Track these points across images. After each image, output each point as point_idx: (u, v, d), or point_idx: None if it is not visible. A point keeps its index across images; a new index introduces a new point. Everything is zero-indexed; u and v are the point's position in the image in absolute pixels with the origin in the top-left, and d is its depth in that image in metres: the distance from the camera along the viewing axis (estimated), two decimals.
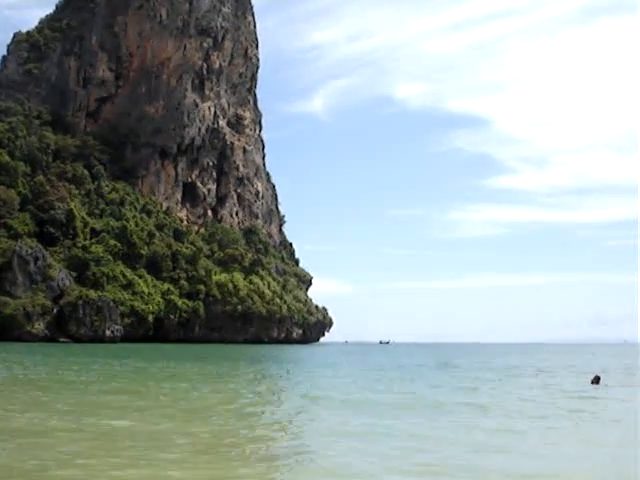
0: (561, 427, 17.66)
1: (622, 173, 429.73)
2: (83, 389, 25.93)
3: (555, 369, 50.18)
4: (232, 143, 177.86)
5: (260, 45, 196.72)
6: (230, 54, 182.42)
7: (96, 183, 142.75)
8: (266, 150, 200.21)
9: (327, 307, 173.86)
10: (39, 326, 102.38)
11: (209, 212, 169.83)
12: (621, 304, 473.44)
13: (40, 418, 16.79)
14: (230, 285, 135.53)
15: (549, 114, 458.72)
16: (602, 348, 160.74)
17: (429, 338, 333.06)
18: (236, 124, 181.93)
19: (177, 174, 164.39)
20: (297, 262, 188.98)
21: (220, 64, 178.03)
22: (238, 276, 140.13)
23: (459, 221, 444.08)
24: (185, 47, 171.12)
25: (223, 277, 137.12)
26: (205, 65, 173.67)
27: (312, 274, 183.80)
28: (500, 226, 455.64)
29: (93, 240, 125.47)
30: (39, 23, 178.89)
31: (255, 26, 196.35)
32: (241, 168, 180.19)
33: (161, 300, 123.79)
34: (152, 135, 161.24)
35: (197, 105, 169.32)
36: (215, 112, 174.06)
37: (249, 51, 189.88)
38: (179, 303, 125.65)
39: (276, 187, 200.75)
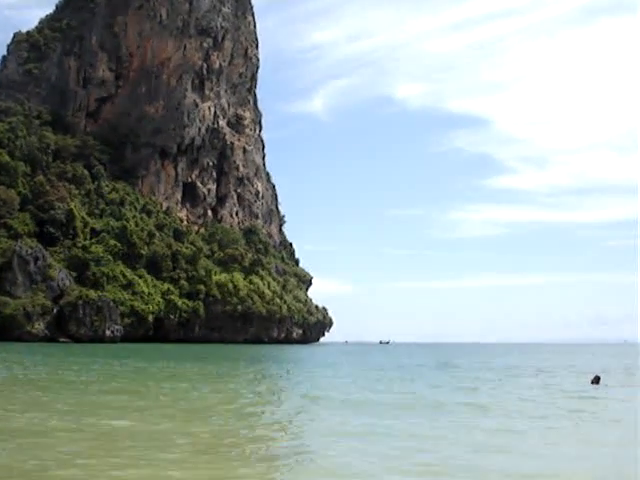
0: (561, 427, 17.66)
1: (622, 173, 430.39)
2: (83, 389, 25.93)
3: (555, 369, 50.19)
4: (232, 143, 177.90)
5: (260, 45, 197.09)
6: (230, 54, 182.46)
7: (96, 183, 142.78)
8: (266, 150, 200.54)
9: (327, 307, 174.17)
10: (39, 326, 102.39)
11: (209, 212, 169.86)
12: (621, 304, 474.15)
13: (40, 418, 16.79)
14: (230, 285, 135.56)
15: (549, 114, 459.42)
16: (602, 348, 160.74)
17: (429, 338, 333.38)
18: (236, 124, 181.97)
19: (177, 174, 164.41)
20: (297, 262, 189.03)
21: (220, 64, 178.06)
22: (238, 276, 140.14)
23: (459, 221, 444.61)
24: (185, 47, 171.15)
25: (223, 277, 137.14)
26: (205, 65, 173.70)
27: (312, 274, 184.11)
28: (500, 226, 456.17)
29: (93, 240, 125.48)
30: (39, 23, 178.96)
31: (255, 26, 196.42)
32: (241, 168, 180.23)
33: (161, 300, 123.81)
34: (152, 135, 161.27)
35: (197, 105, 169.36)
36: (215, 112, 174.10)
37: (249, 51, 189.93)
38: (179, 303, 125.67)
39: (276, 187, 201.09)
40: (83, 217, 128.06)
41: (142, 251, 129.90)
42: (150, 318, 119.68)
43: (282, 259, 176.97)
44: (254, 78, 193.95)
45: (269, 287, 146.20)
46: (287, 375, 38.68)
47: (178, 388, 27.25)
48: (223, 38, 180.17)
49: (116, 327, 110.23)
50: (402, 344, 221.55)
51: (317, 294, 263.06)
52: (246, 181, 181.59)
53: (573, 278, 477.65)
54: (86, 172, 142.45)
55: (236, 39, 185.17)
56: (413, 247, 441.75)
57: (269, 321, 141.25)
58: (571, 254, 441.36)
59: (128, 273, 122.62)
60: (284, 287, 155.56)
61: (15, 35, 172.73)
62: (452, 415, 19.43)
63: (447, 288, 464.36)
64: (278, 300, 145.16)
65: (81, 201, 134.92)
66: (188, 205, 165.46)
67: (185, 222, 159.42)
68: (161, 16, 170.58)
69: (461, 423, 17.66)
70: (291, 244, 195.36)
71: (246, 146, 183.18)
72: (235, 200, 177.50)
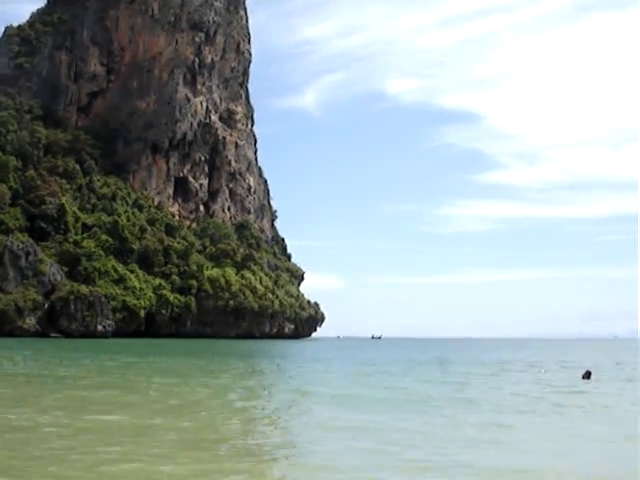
0: (551, 422, 17.72)
1: (614, 169, 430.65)
2: (74, 384, 25.88)
3: (546, 364, 50.37)
4: (224, 138, 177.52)
5: (252, 40, 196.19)
6: (222, 49, 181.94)
7: (87, 178, 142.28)
8: (258, 145, 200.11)
9: (319, 302, 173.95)
10: (30, 321, 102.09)
11: (201, 207, 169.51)
12: (613, 300, 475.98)
13: (30, 413, 16.75)
14: (222, 280, 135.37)
15: (541, 110, 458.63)
16: (594, 343, 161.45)
17: (421, 333, 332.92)
18: (228, 119, 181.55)
19: (169, 169, 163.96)
20: (289, 257, 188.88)
21: (212, 59, 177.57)
22: (230, 271, 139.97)
23: (451, 216, 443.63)
24: (177, 41, 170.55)
25: (215, 272, 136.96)
26: (197, 60, 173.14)
27: (304, 269, 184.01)
28: (491, 221, 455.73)
29: (84, 235, 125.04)
30: (30, 17, 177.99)
31: (247, 20, 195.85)
32: (233, 163, 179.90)
33: (153, 295, 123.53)
34: (144, 130, 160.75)
35: (189, 100, 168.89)
36: (207, 107, 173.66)
37: (241, 46, 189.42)
38: (171, 298, 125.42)
39: (268, 182, 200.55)
40: (74, 212, 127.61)
41: (134, 246, 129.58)
42: (142, 313, 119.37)
43: (274, 254, 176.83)
44: (246, 73, 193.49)
45: (261, 282, 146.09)
46: (278, 370, 38.72)
47: (169, 383, 27.25)
48: (215, 33, 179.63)
49: (108, 322, 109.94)
50: (394, 339, 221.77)
51: (309, 289, 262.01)
52: (238, 176, 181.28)
53: (564, 274, 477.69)
54: (77, 167, 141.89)
55: (228, 34, 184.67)
56: (405, 242, 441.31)
57: (261, 316, 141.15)
58: (562, 250, 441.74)
59: (120, 268, 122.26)
60: (276, 282, 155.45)
61: (6, 29, 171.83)
62: (443, 410, 19.47)
63: (439, 283, 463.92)
64: (270, 295, 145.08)
65: (72, 196, 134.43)
66: (180, 200, 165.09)
67: (177, 217, 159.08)
68: (153, 10, 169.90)
69: (452, 418, 17.70)
70: (283, 239, 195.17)
71: (238, 141, 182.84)
72: (227, 195, 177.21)
